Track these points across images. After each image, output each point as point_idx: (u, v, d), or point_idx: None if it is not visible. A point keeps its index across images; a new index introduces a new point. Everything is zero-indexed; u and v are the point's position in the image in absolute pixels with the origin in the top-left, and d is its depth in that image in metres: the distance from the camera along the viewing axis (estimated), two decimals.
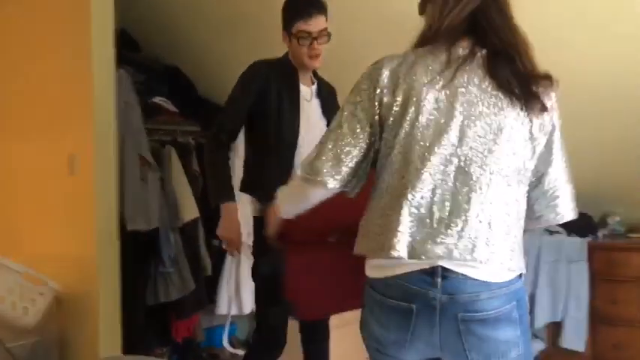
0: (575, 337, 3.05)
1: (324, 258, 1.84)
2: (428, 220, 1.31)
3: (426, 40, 1.42)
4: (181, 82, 4.05)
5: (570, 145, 2.97)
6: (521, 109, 1.36)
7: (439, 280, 1.31)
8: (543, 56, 2.67)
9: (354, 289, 1.54)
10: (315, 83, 2.51)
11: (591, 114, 2.86)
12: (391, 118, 1.37)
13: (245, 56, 3.61)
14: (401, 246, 1.31)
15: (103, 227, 3.14)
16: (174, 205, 3.63)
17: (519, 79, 1.36)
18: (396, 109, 1.36)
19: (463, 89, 1.34)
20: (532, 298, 3.12)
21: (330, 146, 1.41)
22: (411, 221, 1.31)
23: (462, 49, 1.38)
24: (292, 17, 2.33)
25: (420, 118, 1.33)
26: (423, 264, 1.31)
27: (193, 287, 3.61)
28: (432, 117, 1.33)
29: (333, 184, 1.41)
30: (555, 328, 3.12)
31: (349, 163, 1.40)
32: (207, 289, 3.78)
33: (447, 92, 1.34)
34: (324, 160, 1.40)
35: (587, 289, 3.05)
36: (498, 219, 1.34)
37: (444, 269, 1.31)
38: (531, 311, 3.11)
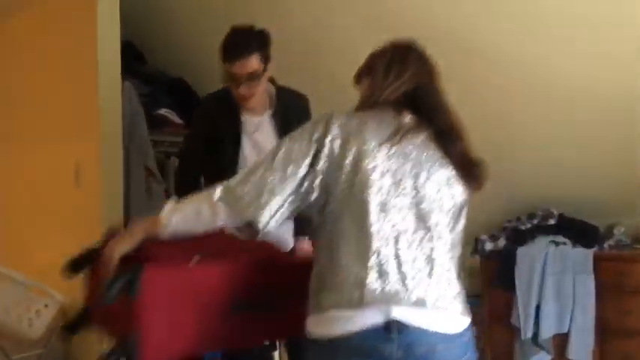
0: (581, 349, 3.04)
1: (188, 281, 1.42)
2: (386, 271, 1.29)
3: (368, 107, 1.44)
4: (186, 93, 4.06)
5: (576, 155, 3.00)
6: (461, 181, 1.43)
7: (395, 334, 1.27)
8: (548, 63, 2.66)
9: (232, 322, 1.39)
10: (271, 110, 2.34)
11: (596, 124, 2.86)
12: (341, 173, 1.33)
13: None
14: (364, 295, 1.27)
15: None
16: None
17: (462, 159, 1.43)
18: (347, 163, 1.33)
19: (412, 150, 1.37)
20: (538, 310, 3.10)
21: (256, 177, 1.35)
22: (371, 272, 1.28)
23: (407, 119, 1.40)
24: (221, 57, 2.23)
25: (374, 174, 1.32)
26: (378, 318, 1.27)
27: None
28: (385, 172, 1.33)
29: (252, 215, 1.33)
30: (561, 340, 3.10)
31: (270, 200, 1.33)
32: None
33: (397, 151, 1.36)
34: (246, 190, 1.34)
35: (593, 300, 3.04)
36: (450, 265, 1.38)
37: (400, 323, 1.27)
38: (537, 323, 3.10)
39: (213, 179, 2.19)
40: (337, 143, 1.34)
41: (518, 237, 3.23)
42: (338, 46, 3.12)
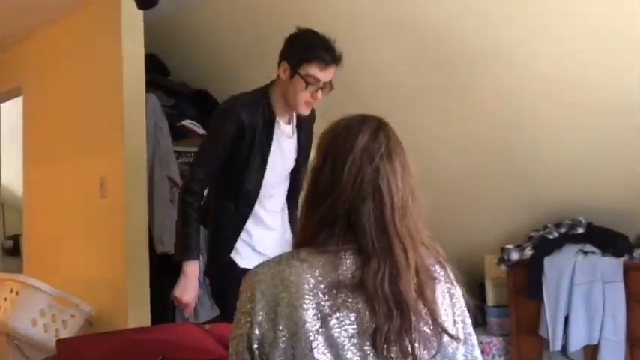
0: None
1: None
2: None
3: (306, 241, 1.20)
4: (210, 105, 4.09)
5: (603, 164, 2.95)
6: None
7: None
8: (574, 72, 2.63)
9: None
10: (294, 118, 2.33)
11: (624, 131, 2.81)
12: (278, 355, 1.11)
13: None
14: None
15: (134, 249, 3.17)
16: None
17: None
18: (282, 345, 1.10)
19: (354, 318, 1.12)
20: (566, 320, 3.05)
21: None
22: None
23: (349, 262, 1.14)
24: (307, 57, 2.12)
25: (316, 353, 1.09)
26: None
27: None
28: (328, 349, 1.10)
29: None
30: (592, 352, 3.04)
31: None
32: None
33: (339, 323, 1.11)
34: None
35: (623, 311, 2.97)
36: None
37: None
38: (566, 333, 3.04)
39: (234, 184, 2.22)
40: (266, 327, 1.13)
41: (546, 246, 3.17)
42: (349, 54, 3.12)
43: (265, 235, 2.33)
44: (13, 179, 4.87)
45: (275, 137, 2.26)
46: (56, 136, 3.83)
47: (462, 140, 3.22)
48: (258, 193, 2.27)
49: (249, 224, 2.30)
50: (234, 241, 2.29)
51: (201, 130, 3.98)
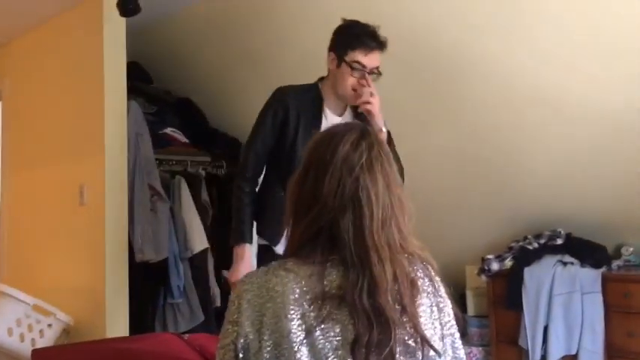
0: None
1: None
2: None
3: (292, 253, 1.19)
4: (193, 113, 4.08)
5: (585, 176, 2.98)
6: None
7: None
8: (556, 85, 2.66)
9: None
10: (349, 110, 2.34)
11: (604, 143, 2.84)
12: None
13: (255, 89, 3.66)
14: None
15: (113, 258, 3.14)
16: (184, 235, 3.62)
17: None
18: (266, 355, 1.10)
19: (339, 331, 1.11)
20: (546, 331, 3.06)
21: None
22: None
23: (335, 274, 1.14)
24: (352, 44, 2.19)
25: None
26: None
27: (202, 318, 3.58)
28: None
29: None
30: None
31: None
32: (217, 320, 3.75)
33: (324, 335, 1.10)
34: None
35: (602, 321, 3.00)
36: None
37: None
38: (545, 344, 3.05)
39: (282, 169, 2.23)
40: (251, 338, 1.13)
41: (525, 257, 3.20)
42: None
43: None
44: None
45: (323, 126, 2.26)
46: (36, 142, 3.79)
47: (442, 151, 3.24)
48: None
49: None
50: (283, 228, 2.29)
51: (183, 138, 3.96)
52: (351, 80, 2.21)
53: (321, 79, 2.35)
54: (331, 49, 2.26)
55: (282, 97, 2.30)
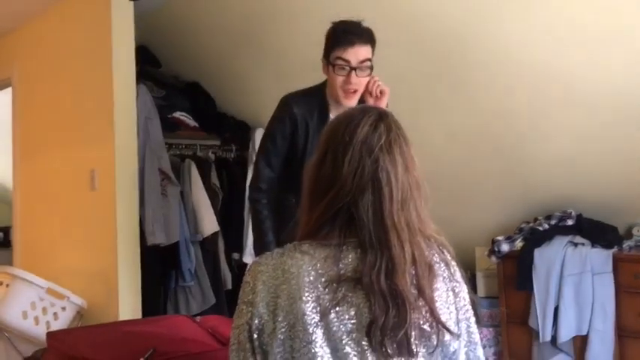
0: (602, 351, 2.99)
1: None
2: None
3: (309, 235, 1.18)
4: (201, 97, 4.08)
5: (595, 156, 2.96)
6: None
7: None
8: (569, 68, 2.64)
9: None
10: None
11: (614, 123, 2.83)
12: (277, 346, 1.11)
13: (264, 73, 3.66)
14: None
15: (125, 241, 3.16)
16: (194, 219, 3.65)
17: None
18: (280, 336, 1.10)
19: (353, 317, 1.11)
20: (556, 311, 3.07)
21: None
22: None
23: (351, 257, 1.13)
24: (332, 44, 2.16)
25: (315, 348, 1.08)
26: None
27: (214, 301, 3.61)
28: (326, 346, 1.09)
29: None
30: (582, 342, 3.06)
31: None
32: (228, 302, 3.78)
33: (338, 320, 1.10)
34: None
35: (613, 302, 2.99)
36: None
37: None
38: (555, 324, 3.06)
39: (293, 176, 2.13)
40: (266, 318, 1.13)
41: (536, 238, 3.19)
42: None
43: None
44: (3, 171, 4.84)
45: None
46: (46, 127, 3.80)
47: (453, 131, 3.22)
48: None
49: None
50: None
51: (192, 122, 3.97)
52: (338, 80, 2.16)
53: (323, 83, 2.32)
54: (323, 57, 2.22)
55: (288, 109, 2.26)
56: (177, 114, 3.91)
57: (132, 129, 3.24)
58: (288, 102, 2.27)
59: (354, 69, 2.13)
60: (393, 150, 1.17)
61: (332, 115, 2.27)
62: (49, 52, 3.79)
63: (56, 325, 3.06)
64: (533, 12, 2.63)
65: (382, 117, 1.20)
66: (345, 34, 2.14)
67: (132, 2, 3.06)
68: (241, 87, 3.95)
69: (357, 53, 2.13)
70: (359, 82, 2.16)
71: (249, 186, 2.39)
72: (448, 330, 1.14)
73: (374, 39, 2.18)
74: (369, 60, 2.16)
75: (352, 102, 2.19)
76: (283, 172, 2.32)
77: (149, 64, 3.94)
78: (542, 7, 2.60)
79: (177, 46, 4.05)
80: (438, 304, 1.15)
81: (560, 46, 2.67)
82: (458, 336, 1.17)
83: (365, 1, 2.77)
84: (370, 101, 2.22)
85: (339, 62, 2.13)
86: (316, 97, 2.27)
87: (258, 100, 3.83)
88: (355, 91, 2.18)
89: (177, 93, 4.02)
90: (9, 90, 4.24)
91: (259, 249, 2.29)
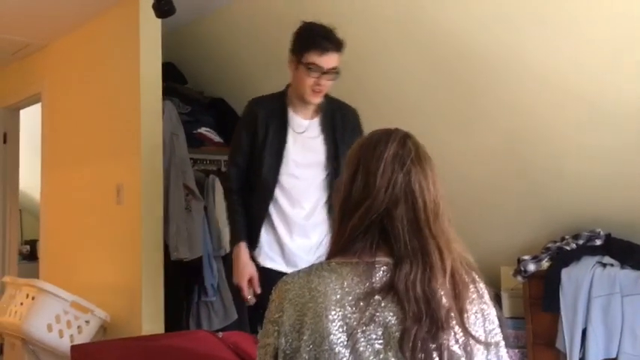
0: None
1: None
2: None
3: (339, 251, 1.18)
4: (226, 113, 4.11)
5: (624, 175, 2.91)
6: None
7: None
8: (598, 84, 2.60)
9: None
10: (320, 115, 2.40)
11: None
12: None
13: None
14: None
15: (149, 256, 3.18)
16: (218, 234, 3.65)
17: None
18: (305, 355, 1.09)
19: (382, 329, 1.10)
20: (584, 334, 3.00)
21: None
22: None
23: (382, 271, 1.13)
24: (307, 46, 2.25)
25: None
26: None
27: (236, 317, 3.60)
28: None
29: None
30: None
31: None
32: (250, 319, 3.77)
33: (368, 334, 1.09)
34: None
35: None
36: None
37: None
38: (583, 347, 2.99)
39: (255, 176, 2.34)
40: (291, 337, 1.14)
41: (563, 258, 3.13)
42: (368, 66, 3.12)
43: (288, 233, 2.38)
44: (31, 185, 4.92)
45: (290, 131, 2.36)
46: (74, 142, 3.86)
47: (479, 152, 3.20)
48: (275, 184, 2.34)
49: (274, 218, 2.36)
50: (259, 231, 2.38)
51: (217, 138, 4.00)
52: (309, 81, 2.27)
53: (287, 87, 2.43)
54: (290, 53, 2.32)
55: (252, 108, 2.42)
56: (202, 130, 3.95)
57: (158, 144, 3.27)
58: (251, 103, 2.44)
59: (325, 73, 2.26)
60: (424, 163, 1.19)
61: (293, 115, 2.39)
62: (78, 68, 3.86)
63: (80, 339, 3.08)
64: (559, 35, 2.61)
65: (408, 135, 1.23)
66: (322, 40, 2.26)
67: (159, 19, 3.11)
68: None
69: (330, 60, 2.26)
70: (327, 84, 2.30)
71: (224, 187, 2.54)
72: (479, 341, 1.12)
73: (343, 48, 2.29)
74: (337, 67, 2.29)
75: (317, 100, 2.33)
76: (249, 173, 2.42)
77: (175, 81, 3.98)
78: (570, 32, 2.58)
79: (202, 62, 4.09)
80: (468, 317, 1.14)
81: (586, 66, 2.64)
82: (488, 346, 1.16)
83: (390, 26, 2.79)
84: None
85: (313, 66, 2.25)
86: (280, 99, 2.40)
87: None
88: (321, 92, 2.31)
89: (203, 109, 4.06)
90: (39, 105, 4.32)
91: (232, 239, 2.49)
